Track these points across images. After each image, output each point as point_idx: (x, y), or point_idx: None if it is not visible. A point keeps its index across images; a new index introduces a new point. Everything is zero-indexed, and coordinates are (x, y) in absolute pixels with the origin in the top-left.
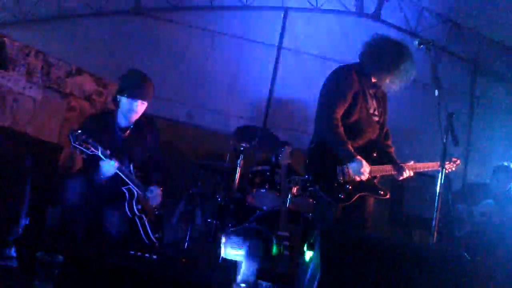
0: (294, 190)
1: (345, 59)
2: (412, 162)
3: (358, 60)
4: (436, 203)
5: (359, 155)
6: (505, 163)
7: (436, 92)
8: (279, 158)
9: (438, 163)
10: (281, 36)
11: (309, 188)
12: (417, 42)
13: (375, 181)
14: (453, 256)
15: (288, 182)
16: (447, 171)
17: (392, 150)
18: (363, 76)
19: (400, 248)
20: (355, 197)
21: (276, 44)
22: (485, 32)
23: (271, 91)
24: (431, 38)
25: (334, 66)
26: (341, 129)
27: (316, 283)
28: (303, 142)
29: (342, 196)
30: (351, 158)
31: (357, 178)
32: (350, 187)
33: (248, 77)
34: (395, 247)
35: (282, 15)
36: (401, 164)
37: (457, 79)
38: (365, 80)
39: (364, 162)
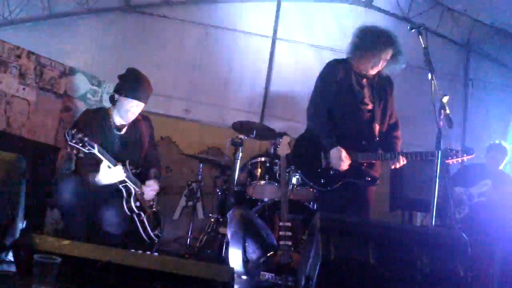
0: (294, 180)
1: (339, 48)
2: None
3: None
4: (434, 187)
5: (344, 142)
6: (497, 141)
7: (429, 76)
8: (278, 149)
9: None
10: (275, 27)
11: (294, 173)
12: (408, 27)
13: (363, 167)
14: (453, 237)
15: (287, 172)
16: (455, 162)
17: (398, 142)
18: (352, 66)
19: (400, 232)
20: (339, 183)
21: (271, 35)
22: (476, 14)
23: (267, 82)
24: (423, 22)
25: (329, 54)
26: (325, 119)
27: (317, 270)
28: (301, 132)
29: (323, 181)
30: (331, 147)
31: (338, 167)
32: (332, 173)
33: (244, 69)
34: (395, 231)
35: (275, 5)
36: (395, 153)
37: (450, 62)
38: (356, 66)
39: (343, 151)
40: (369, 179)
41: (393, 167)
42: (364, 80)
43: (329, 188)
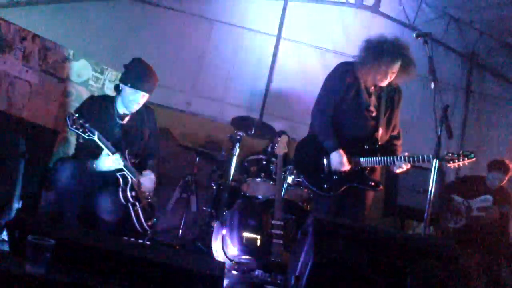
0: (289, 179)
1: (343, 51)
2: (406, 154)
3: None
4: (429, 195)
5: (347, 146)
6: (499, 158)
7: (432, 85)
8: (276, 147)
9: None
10: (280, 26)
11: (297, 179)
12: (414, 35)
13: (366, 172)
14: (445, 246)
15: (283, 171)
16: (456, 166)
17: (399, 149)
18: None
19: (391, 237)
20: (343, 187)
21: (275, 34)
22: (482, 26)
23: (268, 81)
24: (429, 31)
25: (333, 57)
26: (330, 122)
27: (308, 270)
28: (299, 132)
29: (326, 186)
30: (332, 150)
31: (339, 169)
32: (336, 178)
33: (247, 66)
34: (387, 236)
35: (282, 4)
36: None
37: (453, 72)
38: (364, 77)
39: (344, 156)
40: (372, 184)
41: (398, 171)
42: (373, 87)
43: (332, 193)
